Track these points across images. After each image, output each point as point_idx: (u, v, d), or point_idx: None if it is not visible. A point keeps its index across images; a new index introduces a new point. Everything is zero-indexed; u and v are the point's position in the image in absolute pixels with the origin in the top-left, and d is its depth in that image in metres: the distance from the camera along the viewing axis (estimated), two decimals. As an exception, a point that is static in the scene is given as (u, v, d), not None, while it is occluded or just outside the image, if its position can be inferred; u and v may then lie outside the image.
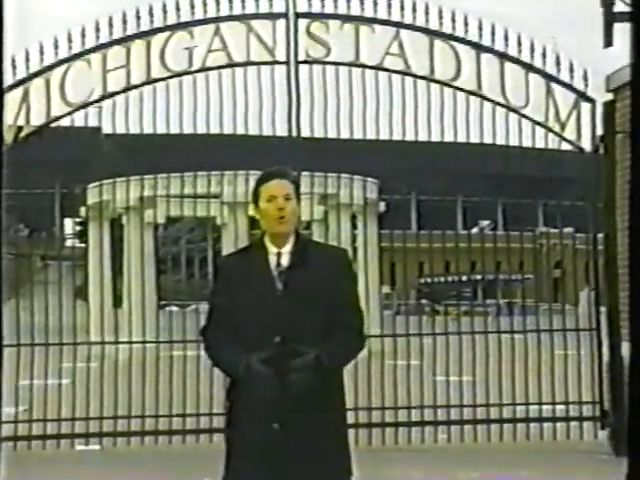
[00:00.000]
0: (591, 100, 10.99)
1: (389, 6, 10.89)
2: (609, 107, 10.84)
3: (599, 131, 10.91)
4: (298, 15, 10.89)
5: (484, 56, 10.97)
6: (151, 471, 10.05)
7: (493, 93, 10.97)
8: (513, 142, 11.26)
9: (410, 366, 11.39)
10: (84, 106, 10.92)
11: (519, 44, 10.98)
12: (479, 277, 21.97)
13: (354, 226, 21.94)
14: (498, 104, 11.00)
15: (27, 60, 10.66)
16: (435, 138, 11.46)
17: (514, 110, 11.00)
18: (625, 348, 10.27)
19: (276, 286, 4.44)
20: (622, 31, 9.95)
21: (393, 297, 35.25)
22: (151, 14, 10.74)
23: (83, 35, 10.73)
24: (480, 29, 10.95)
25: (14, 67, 10.52)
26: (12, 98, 10.38)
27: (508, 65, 10.97)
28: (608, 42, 10.27)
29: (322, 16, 10.94)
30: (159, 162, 14.72)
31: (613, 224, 10.62)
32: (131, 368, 11.45)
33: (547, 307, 13.13)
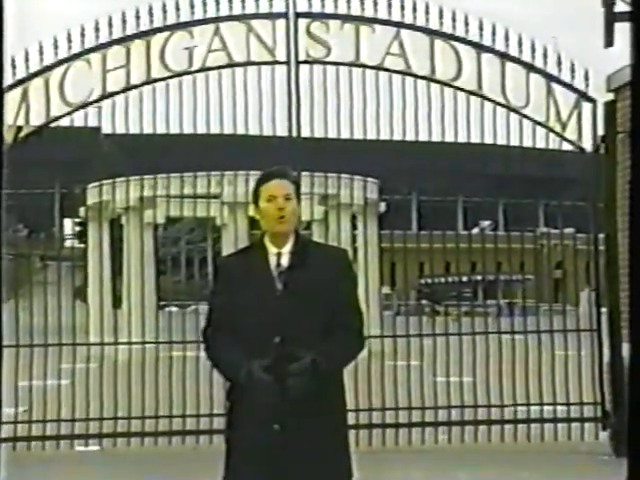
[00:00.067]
0: (592, 100, 10.97)
1: (389, 6, 10.87)
2: (610, 107, 10.82)
3: (600, 131, 10.89)
4: (298, 15, 10.87)
5: (485, 56, 10.94)
6: (151, 472, 10.03)
7: (494, 93, 10.94)
8: (514, 142, 11.24)
9: (410, 367, 11.38)
10: (84, 106, 10.90)
11: (520, 44, 10.95)
12: (480, 278, 21.95)
13: (354, 226, 21.94)
14: (499, 104, 10.98)
15: (26, 60, 10.63)
16: (436, 138, 11.44)
17: (515, 110, 10.98)
18: (626, 349, 10.24)
19: (276, 286, 4.43)
20: (623, 31, 9.93)
21: (393, 297, 35.25)
22: (151, 14, 10.72)
23: (83, 35, 10.71)
24: (481, 29, 10.93)
25: (13, 67, 10.50)
26: (11, 98, 10.36)
27: (509, 65, 10.95)
28: (609, 42, 10.24)
29: (322, 16, 10.91)
30: (159, 162, 14.71)
31: (614, 224, 10.60)
32: (130, 369, 11.43)
33: (548, 308, 13.12)
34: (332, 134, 11.26)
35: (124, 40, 10.80)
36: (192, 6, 10.74)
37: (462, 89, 10.98)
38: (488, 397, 11.11)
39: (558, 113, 10.93)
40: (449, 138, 11.37)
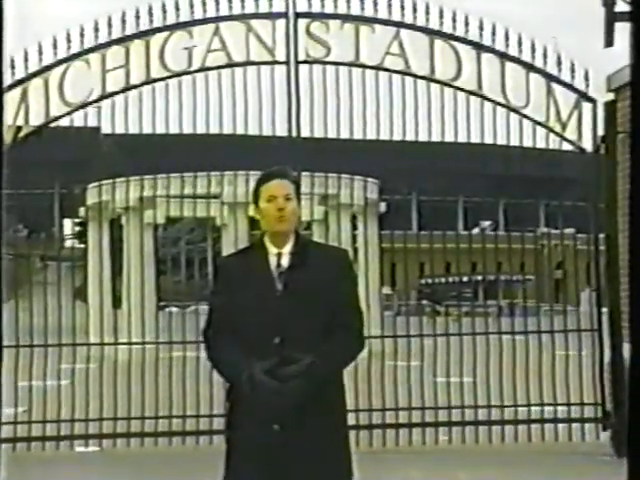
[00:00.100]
0: (592, 100, 10.95)
1: (389, 6, 10.85)
2: (610, 107, 10.81)
3: (600, 131, 10.87)
4: (298, 15, 10.85)
5: (485, 56, 10.93)
6: (151, 473, 10.02)
7: (494, 93, 10.93)
8: (514, 142, 11.22)
9: (411, 367, 11.36)
10: (83, 106, 10.88)
11: (520, 44, 10.94)
12: (480, 278, 21.95)
13: (354, 226, 21.93)
14: (499, 104, 10.96)
15: (26, 60, 10.62)
16: (436, 138, 11.42)
17: (515, 110, 10.96)
18: (627, 349, 10.23)
19: (276, 287, 4.43)
20: (623, 31, 9.92)
21: (394, 298, 35.25)
22: (150, 14, 10.70)
23: (82, 35, 10.69)
24: (481, 29, 10.92)
25: (13, 67, 10.48)
26: (11, 98, 10.34)
27: (509, 65, 10.93)
28: (609, 42, 10.23)
29: (322, 16, 10.90)
30: (159, 162, 14.69)
31: (614, 225, 10.59)
32: (130, 369, 11.42)
33: (548, 308, 13.11)
34: (332, 134, 11.24)
35: (123, 40, 10.78)
36: (192, 6, 10.72)
37: (462, 89, 10.97)
38: (489, 397, 11.10)
39: (558, 113, 10.91)
40: (449, 138, 11.36)
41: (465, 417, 11.08)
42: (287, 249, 4.47)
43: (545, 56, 10.95)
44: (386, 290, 30.98)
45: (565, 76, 10.93)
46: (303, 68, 10.90)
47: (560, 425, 11.00)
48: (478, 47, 10.92)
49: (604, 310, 10.89)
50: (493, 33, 10.92)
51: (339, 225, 16.41)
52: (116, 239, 26.20)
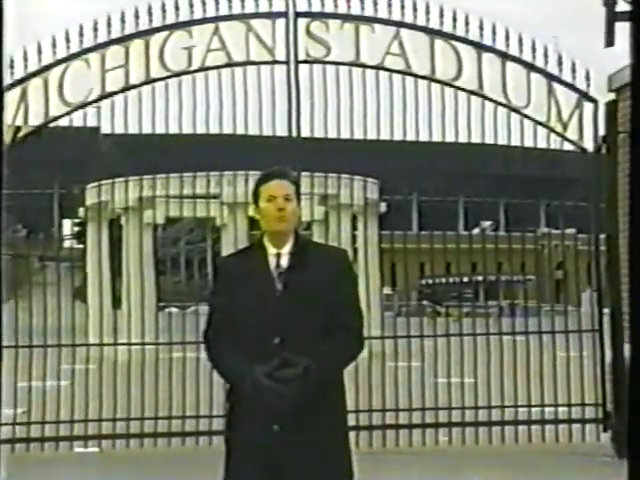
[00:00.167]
0: (593, 100, 10.92)
1: (389, 5, 10.83)
2: (611, 107, 10.78)
3: (601, 131, 10.85)
4: (298, 14, 10.83)
5: (485, 56, 10.90)
6: (150, 473, 10.00)
7: (494, 93, 10.90)
8: (515, 142, 11.19)
9: (411, 368, 11.34)
10: (83, 106, 10.85)
11: (520, 44, 10.91)
12: (480, 278, 21.92)
13: (354, 227, 21.90)
14: (500, 104, 10.94)
15: (25, 60, 10.59)
16: (436, 138, 11.39)
17: (516, 110, 10.94)
18: (628, 349, 10.20)
19: (275, 287, 4.42)
20: (624, 30, 9.89)
21: (394, 298, 35.24)
22: (150, 13, 10.68)
23: (81, 35, 10.66)
24: (481, 29, 10.89)
25: (12, 67, 10.46)
26: (10, 98, 10.32)
27: (510, 65, 10.91)
28: (610, 41, 10.21)
29: (322, 15, 10.87)
30: (158, 162, 14.66)
31: (615, 225, 10.56)
32: (130, 370, 11.40)
33: (549, 308, 13.08)
34: (332, 134, 11.21)
35: (123, 40, 10.76)
36: (191, 5, 10.69)
37: (463, 89, 10.94)
38: (489, 398, 11.08)
39: (559, 113, 10.89)
40: (450, 138, 11.33)
41: (465, 418, 11.05)
42: (286, 249, 4.47)
43: (546, 56, 10.92)
44: (386, 291, 30.96)
45: (566, 76, 10.91)
46: (303, 68, 10.87)
47: (561, 426, 10.97)
48: (479, 47, 10.89)
49: (605, 311, 10.87)
50: (494, 33, 10.90)
51: (339, 225, 16.37)
52: (115, 239, 26.19)
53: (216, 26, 10.76)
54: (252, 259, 4.51)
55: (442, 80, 10.91)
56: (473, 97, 10.97)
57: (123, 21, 10.70)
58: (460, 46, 10.89)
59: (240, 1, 10.75)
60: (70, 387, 11.16)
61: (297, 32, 10.80)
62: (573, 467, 9.98)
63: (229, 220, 20.04)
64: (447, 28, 10.87)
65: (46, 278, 12.40)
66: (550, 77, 10.90)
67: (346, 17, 10.87)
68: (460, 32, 10.89)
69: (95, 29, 10.66)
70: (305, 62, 10.85)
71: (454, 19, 10.85)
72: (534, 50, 10.90)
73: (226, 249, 20.66)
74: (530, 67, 10.89)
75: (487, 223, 66.61)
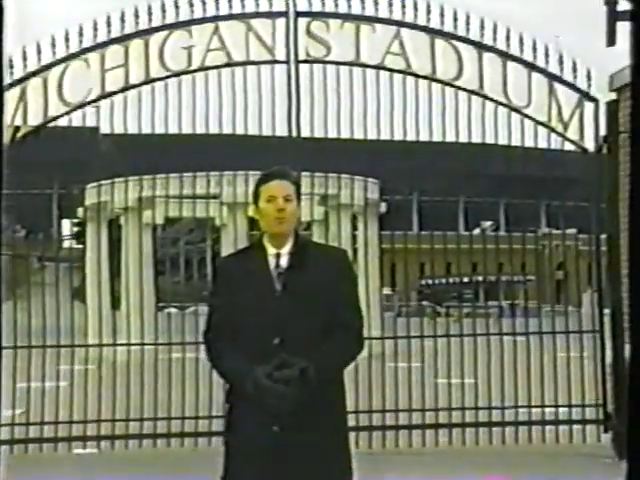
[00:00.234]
0: (594, 100, 10.90)
1: (390, 5, 10.81)
2: (612, 107, 10.76)
3: (602, 131, 10.82)
4: (298, 14, 10.80)
5: (486, 55, 10.88)
6: (149, 474, 9.96)
7: (495, 93, 10.88)
8: (515, 142, 11.17)
9: (411, 368, 11.31)
10: (82, 106, 10.83)
11: (521, 43, 10.89)
12: (481, 278, 21.89)
13: (354, 227, 21.88)
14: (500, 104, 10.92)
15: (24, 59, 10.57)
16: (437, 138, 11.36)
17: (516, 110, 10.91)
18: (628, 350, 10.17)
19: (275, 287, 4.42)
20: (625, 30, 9.85)
21: (394, 299, 35.23)
22: (150, 13, 10.65)
23: (81, 34, 10.64)
24: (482, 28, 10.87)
25: (11, 66, 10.43)
26: (9, 98, 10.30)
27: (510, 64, 10.88)
28: (611, 41, 10.16)
29: (322, 15, 10.85)
30: (158, 162, 14.63)
31: (616, 225, 10.54)
32: (129, 370, 11.37)
33: (550, 309, 13.05)
34: (332, 134, 11.19)
35: (122, 39, 10.73)
36: (191, 5, 10.67)
37: (463, 89, 10.92)
38: (489, 399, 11.06)
39: (560, 113, 10.86)
40: (450, 138, 11.30)
41: (466, 418, 11.04)
42: (286, 249, 4.47)
43: (547, 55, 10.90)
44: (386, 291, 30.95)
45: (567, 75, 10.88)
46: (303, 67, 10.85)
47: (561, 427, 10.96)
48: (479, 46, 10.87)
49: (606, 311, 10.85)
50: (494, 32, 10.87)
51: (339, 225, 16.34)
52: (115, 239, 26.18)
53: (216, 26, 10.73)
54: (252, 259, 4.51)
55: (443, 80, 10.89)
56: (474, 97, 10.94)
57: (123, 21, 10.68)
58: (461, 46, 10.87)
59: (240, 1, 10.73)
60: (69, 388, 11.15)
61: (297, 32, 10.78)
62: (573, 468, 9.96)
63: (229, 220, 20.02)
64: (448, 28, 10.85)
65: (45, 278, 12.38)
66: (551, 77, 10.88)
67: (346, 17, 10.85)
68: (461, 32, 10.87)
69: (94, 29, 10.64)
70: (305, 62, 10.83)
71: (455, 19, 10.83)
72: (535, 50, 10.88)
73: (226, 249, 20.63)
74: (531, 67, 10.87)
75: (488, 223, 66.64)
